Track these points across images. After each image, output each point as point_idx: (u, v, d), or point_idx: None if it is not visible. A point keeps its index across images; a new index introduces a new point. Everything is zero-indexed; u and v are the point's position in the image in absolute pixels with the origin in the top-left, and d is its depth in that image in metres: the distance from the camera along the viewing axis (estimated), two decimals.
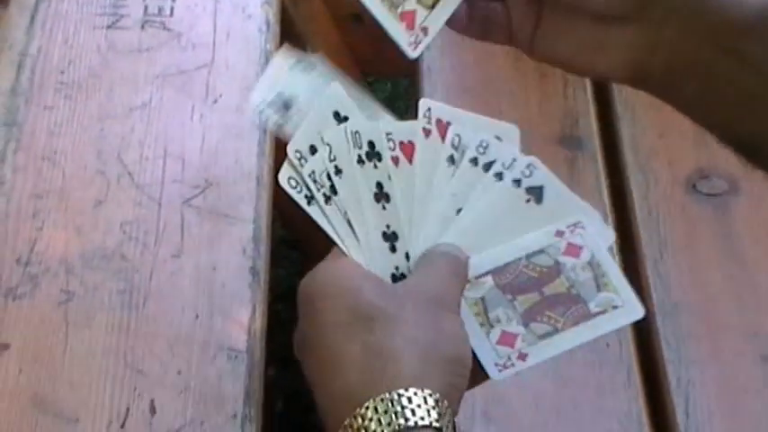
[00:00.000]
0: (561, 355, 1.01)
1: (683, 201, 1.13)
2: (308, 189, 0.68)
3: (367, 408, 0.62)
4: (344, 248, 0.68)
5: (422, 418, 0.61)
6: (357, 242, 0.68)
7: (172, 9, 0.99)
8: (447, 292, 0.67)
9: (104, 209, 0.87)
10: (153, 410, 0.78)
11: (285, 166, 0.68)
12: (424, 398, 0.62)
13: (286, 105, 0.70)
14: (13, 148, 0.89)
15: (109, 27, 0.97)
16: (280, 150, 0.70)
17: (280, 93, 0.70)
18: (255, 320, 0.83)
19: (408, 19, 0.71)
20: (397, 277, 0.69)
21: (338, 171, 0.69)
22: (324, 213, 0.68)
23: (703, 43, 0.69)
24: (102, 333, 0.81)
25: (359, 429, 0.61)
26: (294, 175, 0.68)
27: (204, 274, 0.85)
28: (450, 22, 0.72)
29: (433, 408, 0.62)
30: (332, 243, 0.69)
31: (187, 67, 0.95)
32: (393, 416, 0.61)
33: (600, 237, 0.71)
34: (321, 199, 0.68)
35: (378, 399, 0.62)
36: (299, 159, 0.68)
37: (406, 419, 0.61)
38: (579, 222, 0.71)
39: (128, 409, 0.77)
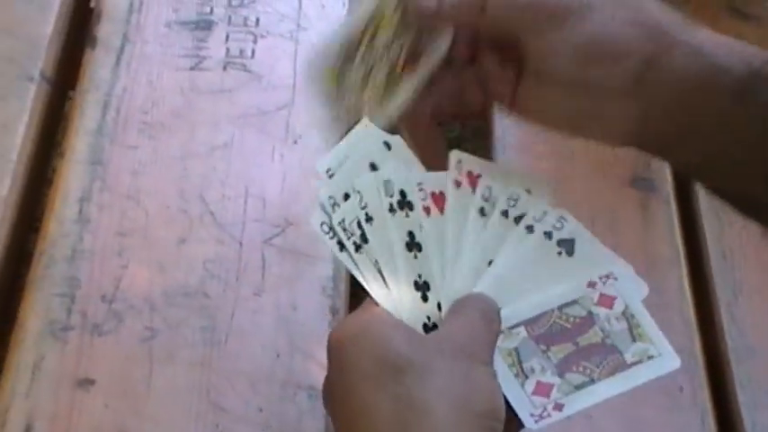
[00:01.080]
0: (634, 399, 1.00)
1: (758, 244, 1.13)
2: (339, 237, 0.68)
3: None
4: (375, 296, 0.68)
5: None
6: (388, 290, 0.68)
7: (253, 51, 1.00)
8: (479, 342, 0.66)
9: (187, 247, 0.88)
10: None
11: (318, 210, 0.69)
12: None
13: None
14: (99, 187, 0.91)
15: (191, 69, 0.99)
16: None
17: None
18: None
19: None
20: (429, 327, 0.68)
21: (369, 219, 0.69)
22: (354, 261, 0.68)
23: (690, 116, 0.70)
24: (185, 370, 0.82)
25: None
26: (326, 220, 0.68)
27: (284, 312, 0.86)
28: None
29: None
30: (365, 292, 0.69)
31: (268, 107, 0.97)
32: None
33: (633, 288, 0.71)
34: (351, 248, 0.68)
35: None
36: (333, 206, 0.69)
37: None
38: (611, 273, 0.71)
39: None
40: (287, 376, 0.82)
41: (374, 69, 0.73)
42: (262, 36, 1.01)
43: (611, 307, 0.70)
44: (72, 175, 0.92)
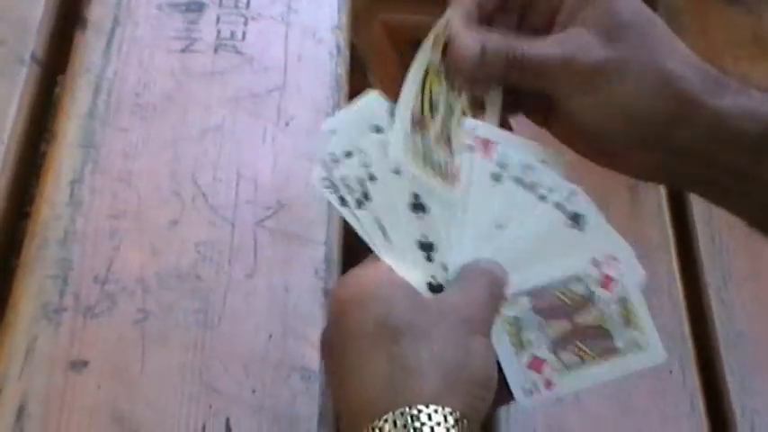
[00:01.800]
0: (623, 382, 1.00)
1: (747, 229, 1.13)
2: (341, 192, 0.69)
3: (385, 420, 0.62)
4: (378, 252, 0.68)
5: None
6: (391, 247, 0.69)
7: (244, 33, 1.00)
8: (481, 314, 0.68)
9: (179, 229, 0.88)
10: (228, 429, 0.78)
11: (319, 166, 0.69)
12: (444, 416, 0.62)
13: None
14: (90, 170, 0.91)
15: (182, 51, 0.98)
16: None
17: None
18: None
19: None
20: (434, 286, 0.69)
21: (372, 178, 0.69)
22: (356, 216, 0.69)
23: (711, 169, 0.72)
24: (178, 351, 0.82)
25: None
26: (327, 176, 0.69)
27: (277, 294, 0.86)
28: None
29: (453, 427, 0.62)
30: (369, 249, 0.69)
31: (259, 90, 0.97)
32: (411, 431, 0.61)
33: (633, 274, 0.72)
34: (353, 203, 0.68)
35: (397, 412, 0.62)
36: (334, 162, 0.69)
37: None
38: (615, 255, 0.72)
39: (204, 427, 0.78)
40: (280, 358, 0.82)
41: (448, 130, 0.72)
42: (253, 18, 1.01)
43: (610, 290, 0.71)
44: (63, 158, 0.91)
